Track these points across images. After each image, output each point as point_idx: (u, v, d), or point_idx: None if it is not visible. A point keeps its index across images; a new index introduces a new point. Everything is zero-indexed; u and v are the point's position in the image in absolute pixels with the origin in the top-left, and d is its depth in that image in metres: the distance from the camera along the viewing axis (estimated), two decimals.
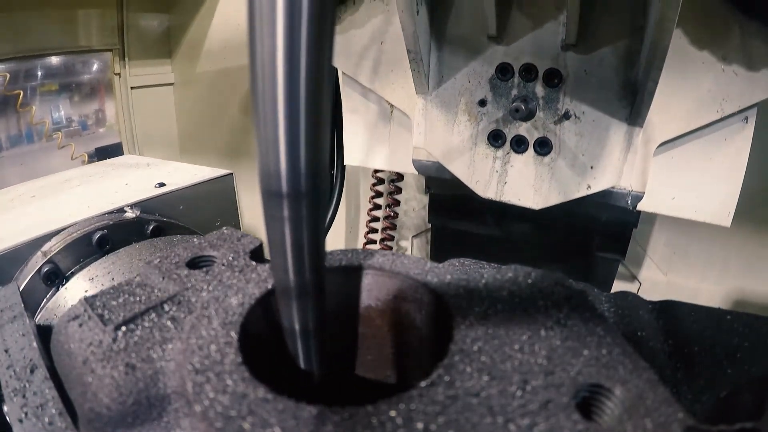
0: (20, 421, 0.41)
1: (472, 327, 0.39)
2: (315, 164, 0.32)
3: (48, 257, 0.83)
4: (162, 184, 1.12)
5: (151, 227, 0.97)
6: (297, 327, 0.40)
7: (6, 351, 0.50)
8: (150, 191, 1.08)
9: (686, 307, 0.46)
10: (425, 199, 1.72)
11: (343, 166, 1.47)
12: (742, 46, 0.81)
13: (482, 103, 0.98)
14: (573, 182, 0.93)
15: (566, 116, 0.92)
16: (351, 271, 0.52)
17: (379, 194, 1.72)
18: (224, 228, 0.63)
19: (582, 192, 0.92)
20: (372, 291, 0.52)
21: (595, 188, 0.91)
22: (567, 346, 0.36)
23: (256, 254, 0.56)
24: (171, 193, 1.09)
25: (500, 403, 0.31)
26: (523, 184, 0.98)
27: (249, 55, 0.28)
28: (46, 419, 0.41)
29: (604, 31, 0.88)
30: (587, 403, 0.32)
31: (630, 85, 0.86)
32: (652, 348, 0.41)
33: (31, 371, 0.47)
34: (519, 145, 0.96)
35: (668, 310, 0.47)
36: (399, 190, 1.69)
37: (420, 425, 0.30)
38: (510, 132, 0.97)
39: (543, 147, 0.94)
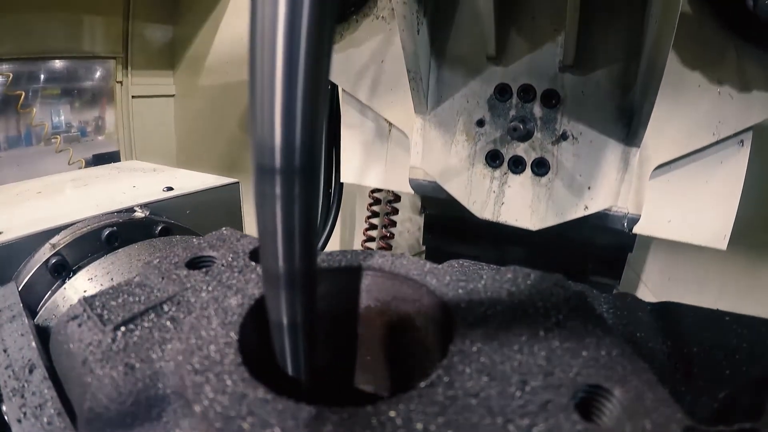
0: (19, 421, 0.41)
1: (471, 328, 0.39)
2: (311, 138, 0.30)
3: (56, 249, 0.83)
4: (170, 188, 1.13)
5: (160, 228, 0.98)
6: (284, 320, 0.37)
7: (5, 351, 0.50)
8: (158, 194, 1.09)
9: (685, 308, 0.46)
10: (420, 221, 1.73)
11: (341, 185, 1.47)
12: (737, 68, 0.82)
13: (480, 123, 0.98)
14: (570, 203, 0.93)
15: (564, 137, 0.92)
16: (350, 272, 0.52)
17: (375, 214, 1.73)
18: (224, 228, 0.63)
19: (579, 213, 0.92)
20: (371, 292, 0.52)
21: (593, 209, 0.91)
22: (566, 347, 0.36)
23: (256, 255, 0.56)
24: (179, 197, 1.10)
25: (499, 403, 0.31)
26: (521, 204, 0.98)
27: (249, 19, 0.27)
28: (45, 419, 0.41)
29: (601, 52, 0.88)
30: (586, 404, 0.32)
31: (627, 106, 0.87)
32: (651, 349, 0.42)
33: (30, 371, 0.47)
34: (516, 165, 0.96)
35: (667, 311, 0.47)
36: (396, 211, 1.69)
37: (419, 426, 0.30)
38: (508, 152, 0.97)
39: (540, 167, 0.94)
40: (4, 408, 0.44)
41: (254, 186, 0.32)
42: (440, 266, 0.51)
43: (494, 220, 1.00)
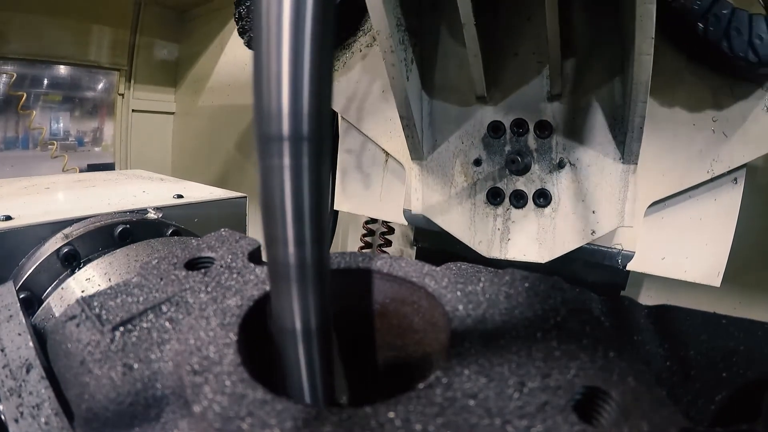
0: (16, 420, 0.41)
1: (469, 329, 0.39)
2: (320, 103, 0.28)
3: (69, 240, 0.84)
4: (180, 196, 1.14)
5: (171, 231, 0.99)
6: (297, 325, 0.33)
7: (2, 350, 0.50)
8: (168, 200, 1.10)
9: (682, 311, 0.46)
10: (412, 253, 1.73)
11: (336, 213, 1.47)
12: (730, 107, 0.83)
13: (477, 162, 0.99)
14: (577, 230, 0.93)
15: (561, 165, 0.92)
16: (349, 274, 0.52)
17: (368, 245, 1.73)
18: (222, 230, 0.63)
19: (587, 238, 0.92)
20: (370, 294, 0.52)
21: (600, 232, 0.91)
22: (564, 348, 0.36)
23: (255, 256, 0.56)
24: (189, 204, 1.11)
25: (497, 404, 0.31)
26: (527, 238, 0.97)
27: None
28: (42, 419, 0.41)
29: (586, 77, 0.90)
30: (584, 406, 0.32)
31: (618, 124, 0.87)
32: (649, 351, 0.42)
33: (27, 371, 0.46)
34: (518, 199, 0.96)
35: (665, 314, 0.47)
36: (389, 243, 1.69)
37: (418, 426, 0.30)
38: (508, 188, 0.97)
39: (542, 198, 0.94)
40: (1, 407, 0.43)
41: (259, 161, 0.29)
42: (438, 269, 0.51)
43: (502, 258, 0.99)
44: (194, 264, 0.55)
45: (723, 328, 0.42)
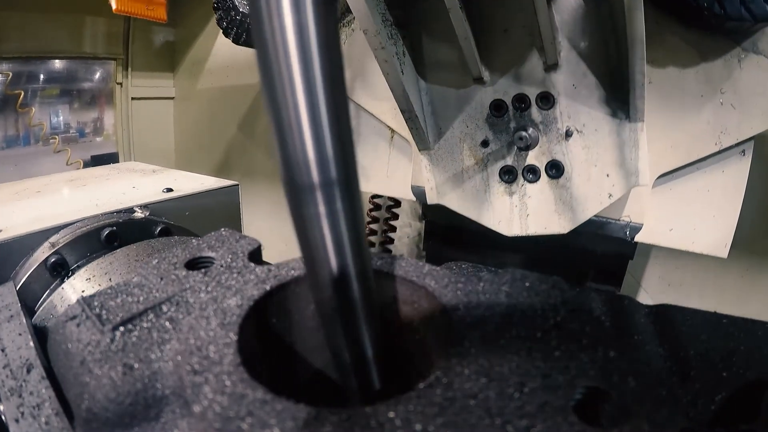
0: (16, 420, 0.41)
1: (469, 329, 0.39)
2: (345, 145, 0.28)
3: (55, 248, 0.84)
4: (169, 190, 1.13)
5: (159, 229, 0.98)
6: (353, 358, 0.35)
7: (2, 350, 0.50)
8: (157, 195, 1.09)
9: (682, 311, 0.46)
10: (420, 226, 1.72)
11: None
12: (737, 78, 0.83)
13: (485, 143, 0.98)
14: (593, 195, 0.92)
15: (568, 134, 0.92)
16: None
17: (375, 220, 1.73)
18: (222, 229, 0.63)
19: (605, 202, 0.91)
20: None
21: (617, 195, 0.91)
22: (564, 348, 0.36)
23: (255, 256, 0.56)
24: (178, 198, 1.10)
25: (498, 404, 0.31)
26: (546, 211, 0.97)
27: (255, 34, 0.26)
28: (43, 419, 0.41)
29: (580, 43, 0.89)
30: (584, 406, 0.32)
31: (618, 84, 0.87)
32: (648, 351, 0.42)
33: (28, 371, 0.46)
34: (531, 174, 0.96)
35: (664, 314, 0.47)
36: (396, 216, 1.68)
37: (418, 426, 0.30)
38: (519, 164, 0.97)
39: (555, 170, 0.94)
40: (1, 408, 0.43)
41: (291, 210, 0.29)
42: (439, 268, 0.51)
43: (524, 234, 0.99)
44: (194, 264, 0.55)
45: (723, 328, 0.42)
